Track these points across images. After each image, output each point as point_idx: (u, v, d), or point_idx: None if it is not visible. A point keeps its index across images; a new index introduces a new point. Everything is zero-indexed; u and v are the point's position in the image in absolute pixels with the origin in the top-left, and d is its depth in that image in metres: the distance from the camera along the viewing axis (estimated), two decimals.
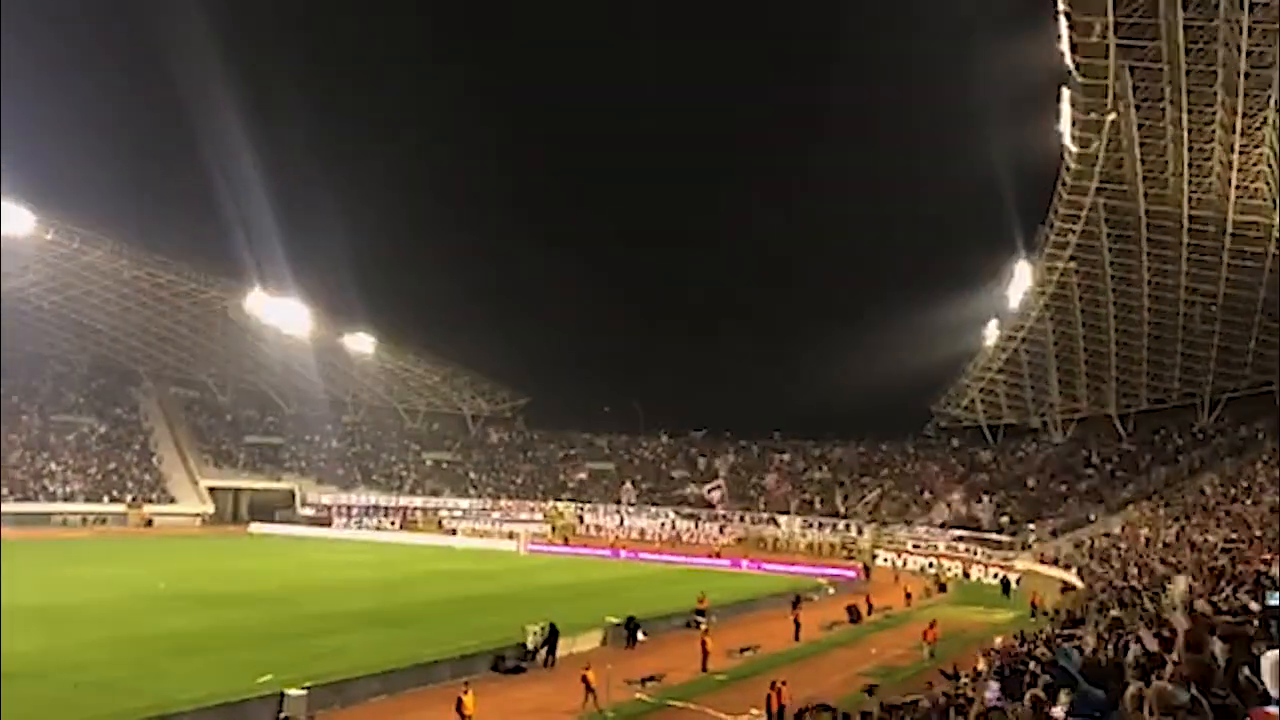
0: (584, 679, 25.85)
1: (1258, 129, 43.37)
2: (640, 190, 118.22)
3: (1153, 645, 12.93)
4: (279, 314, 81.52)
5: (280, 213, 79.36)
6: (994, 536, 71.26)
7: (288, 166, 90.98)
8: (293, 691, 23.64)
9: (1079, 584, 47.91)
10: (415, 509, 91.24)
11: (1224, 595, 18.66)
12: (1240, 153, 44.99)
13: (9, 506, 71.84)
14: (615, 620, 36.42)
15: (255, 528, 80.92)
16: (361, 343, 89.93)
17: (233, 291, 79.28)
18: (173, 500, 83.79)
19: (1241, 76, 40.42)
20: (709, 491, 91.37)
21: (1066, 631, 24.99)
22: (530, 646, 31.63)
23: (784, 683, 24.74)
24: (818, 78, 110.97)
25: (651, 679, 28.37)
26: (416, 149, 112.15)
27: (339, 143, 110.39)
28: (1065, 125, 48.17)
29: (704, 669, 31.29)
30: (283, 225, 79.38)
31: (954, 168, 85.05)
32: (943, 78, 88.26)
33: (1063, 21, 41.49)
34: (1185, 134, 45.64)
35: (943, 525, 77.55)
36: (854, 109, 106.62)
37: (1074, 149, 49.75)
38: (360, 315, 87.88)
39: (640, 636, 35.91)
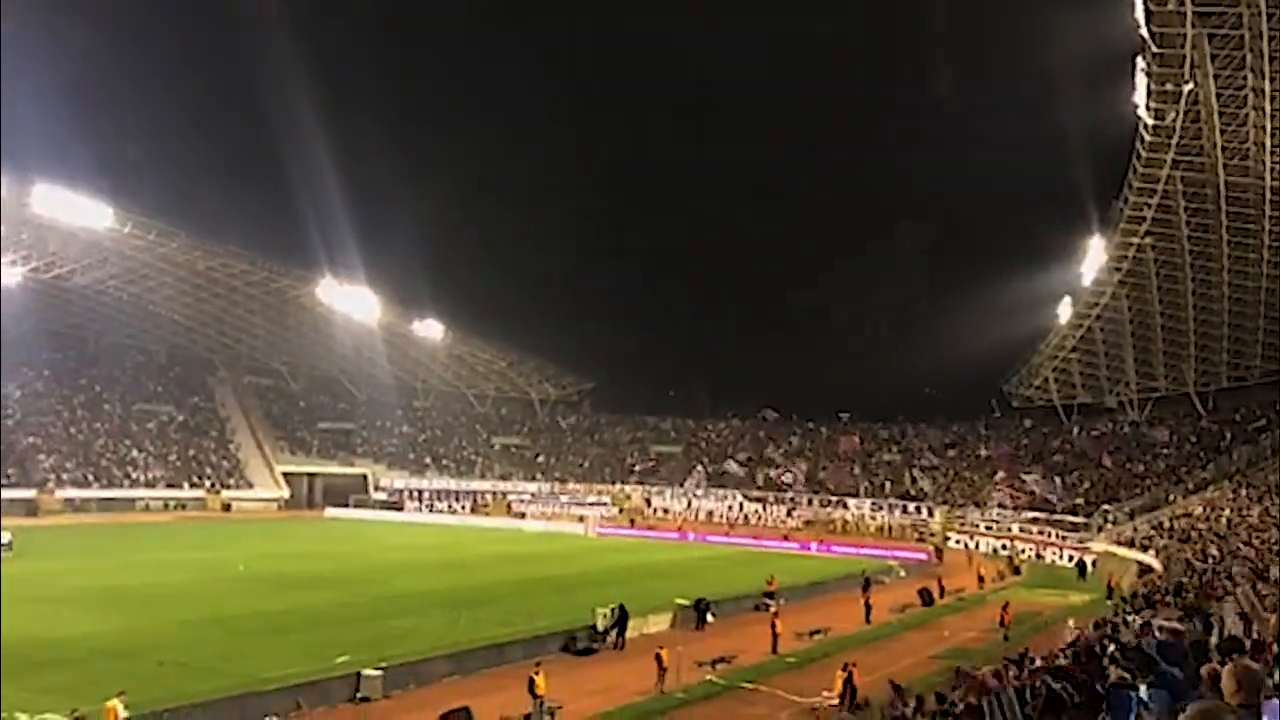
0: (658, 657, 25.96)
1: None
2: (705, 176, 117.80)
3: (1237, 627, 12.63)
4: (349, 302, 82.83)
5: (352, 202, 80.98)
6: (1069, 518, 70.00)
7: (359, 156, 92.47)
8: (369, 671, 24.08)
9: (1157, 566, 46.86)
10: (485, 493, 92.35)
11: None
12: None
13: (97, 492, 74.34)
14: (684, 602, 36.50)
15: (330, 512, 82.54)
16: (430, 329, 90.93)
17: (304, 280, 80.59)
18: (250, 486, 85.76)
19: None
20: (781, 475, 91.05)
21: (1143, 615, 24.44)
22: (601, 628, 31.85)
23: (854, 664, 24.59)
24: (886, 55, 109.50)
25: (721, 660, 28.40)
26: (486, 138, 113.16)
27: (408, 133, 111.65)
28: (1140, 96, 46.84)
29: (774, 651, 31.20)
30: (354, 214, 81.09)
31: (1027, 143, 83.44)
32: (1016, 49, 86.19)
33: None
34: (1267, 103, 44.12)
35: (1016, 507, 76.40)
36: (923, 86, 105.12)
37: (1150, 121, 48.37)
38: (429, 302, 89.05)
39: (710, 618, 35.98)
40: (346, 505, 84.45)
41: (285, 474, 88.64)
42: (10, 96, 64.42)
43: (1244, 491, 55.74)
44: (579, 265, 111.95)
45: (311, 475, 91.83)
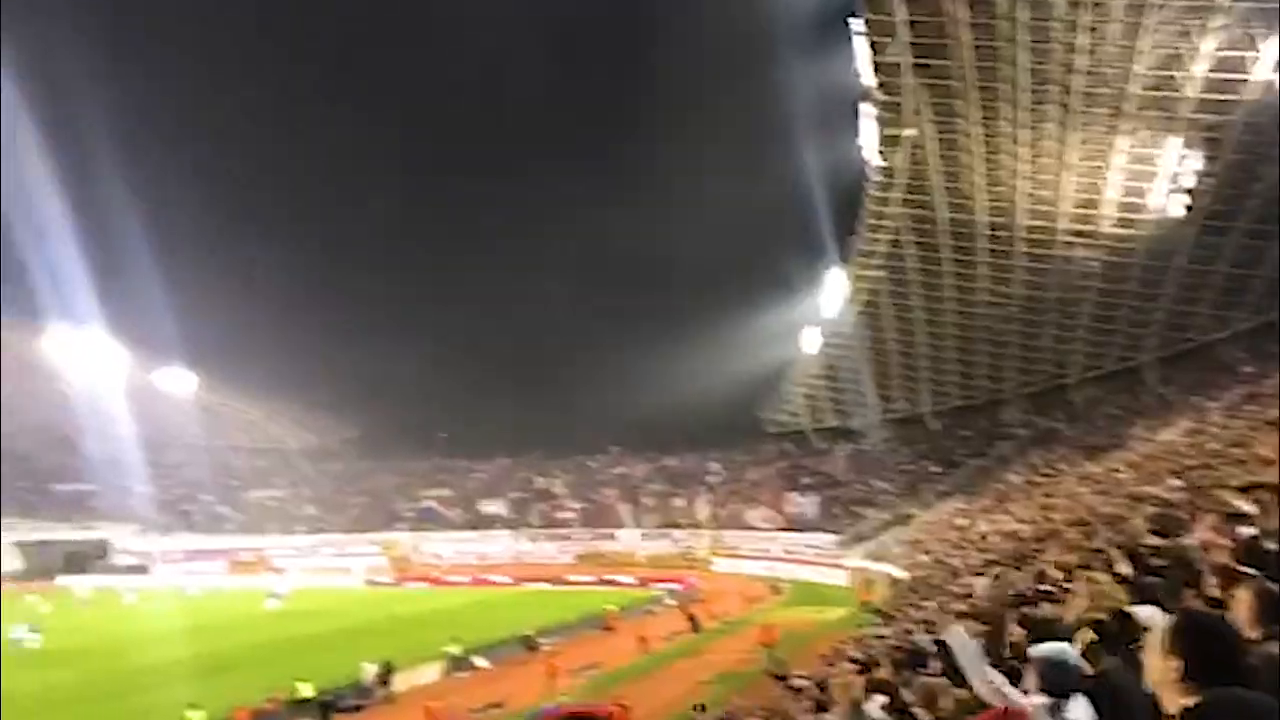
0: (427, 710, 25.41)
1: (1041, 141, 46.64)
2: (459, 211, 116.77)
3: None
4: (81, 351, 77.04)
5: (82, 241, 74.92)
6: (825, 536, 73.64)
7: (82, 187, 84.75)
8: None
9: (904, 577, 49.94)
10: (241, 550, 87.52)
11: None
12: (1030, 161, 48.25)
13: None
14: (455, 650, 35.88)
15: (64, 580, 75.76)
16: (177, 379, 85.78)
17: (26, 328, 74.13)
18: None
19: (1025, 91, 43.44)
20: (553, 512, 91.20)
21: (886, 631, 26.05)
22: (367, 684, 30.85)
23: (619, 704, 24.87)
24: (631, 89, 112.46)
25: (495, 706, 28.09)
26: (230, 170, 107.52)
27: (144, 162, 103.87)
28: (867, 140, 50.50)
29: (549, 691, 31.12)
30: (84, 253, 74.86)
31: (772, 181, 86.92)
32: (762, 90, 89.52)
33: (859, 41, 43.62)
34: (977, 146, 48.58)
35: (778, 529, 79.66)
36: (665, 123, 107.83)
37: (876, 163, 52.21)
38: (175, 350, 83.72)
39: (483, 664, 35.54)
40: (84, 572, 77.89)
41: (16, 543, 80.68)
42: None
43: (975, 503, 60.36)
44: (340, 309, 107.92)
45: (43, 542, 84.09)
